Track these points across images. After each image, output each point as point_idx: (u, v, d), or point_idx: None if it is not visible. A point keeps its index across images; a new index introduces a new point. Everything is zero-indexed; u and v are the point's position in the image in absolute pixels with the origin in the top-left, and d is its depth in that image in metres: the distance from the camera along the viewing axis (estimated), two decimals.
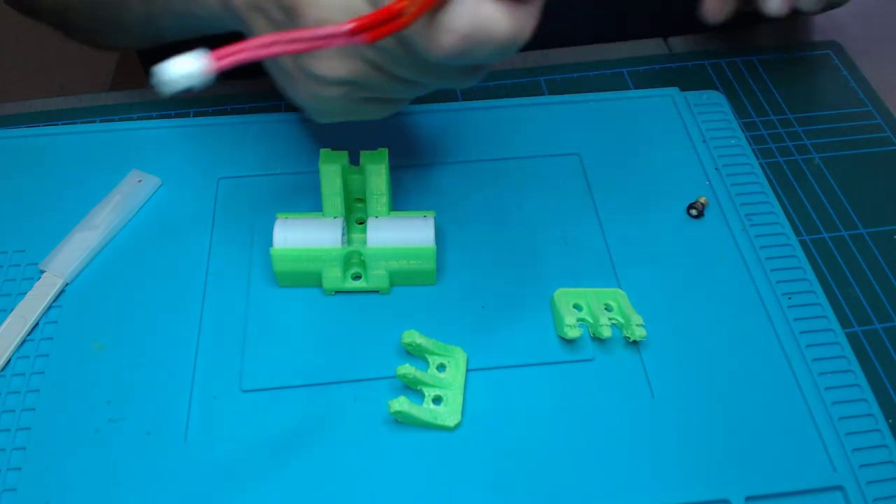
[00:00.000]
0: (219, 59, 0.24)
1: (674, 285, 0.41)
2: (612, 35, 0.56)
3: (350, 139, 0.47)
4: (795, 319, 0.40)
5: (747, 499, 0.34)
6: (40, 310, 0.40)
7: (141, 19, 0.45)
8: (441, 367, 0.38)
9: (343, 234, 0.40)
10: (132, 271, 0.42)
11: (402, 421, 0.36)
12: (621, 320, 0.39)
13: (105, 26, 0.48)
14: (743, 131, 0.49)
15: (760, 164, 0.47)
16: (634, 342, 0.39)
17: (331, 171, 0.40)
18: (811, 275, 0.42)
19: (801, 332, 0.39)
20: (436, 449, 0.35)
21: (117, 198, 0.44)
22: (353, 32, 0.26)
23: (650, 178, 0.46)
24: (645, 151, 0.47)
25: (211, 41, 0.31)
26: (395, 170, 0.45)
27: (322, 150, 0.40)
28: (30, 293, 0.41)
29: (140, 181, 0.45)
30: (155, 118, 0.50)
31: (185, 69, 0.24)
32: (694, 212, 0.44)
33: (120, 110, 0.51)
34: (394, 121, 0.49)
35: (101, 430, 0.36)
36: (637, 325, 0.38)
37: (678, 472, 0.35)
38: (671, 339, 0.39)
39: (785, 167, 0.48)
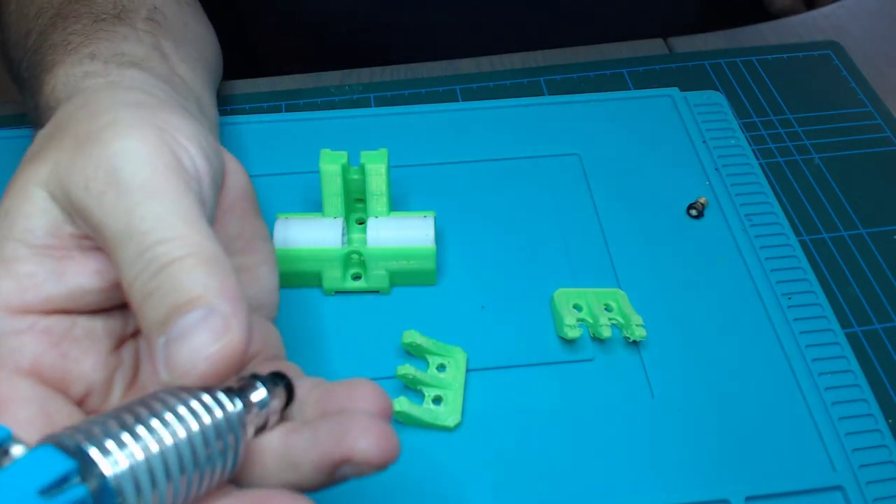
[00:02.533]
0: None
1: (674, 285, 0.41)
2: (612, 35, 0.56)
3: (350, 139, 0.47)
4: (795, 319, 0.40)
5: (747, 499, 0.34)
6: None
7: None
8: (441, 368, 0.38)
9: (343, 234, 0.40)
10: None
11: (402, 421, 0.36)
12: (621, 320, 0.39)
13: None
14: (743, 131, 0.49)
15: (760, 164, 0.47)
16: (634, 342, 0.39)
17: (331, 171, 0.40)
18: (811, 275, 0.42)
19: (801, 332, 0.39)
20: (436, 449, 0.35)
21: None
22: None
23: (650, 178, 0.46)
24: (645, 151, 0.47)
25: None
26: (395, 170, 0.45)
27: (322, 150, 0.40)
28: None
29: None
30: None
31: None
32: (694, 212, 0.44)
33: None
34: (394, 121, 0.49)
35: None
36: (637, 325, 0.38)
37: (678, 472, 0.35)
38: (671, 339, 0.39)
39: (785, 167, 0.48)
